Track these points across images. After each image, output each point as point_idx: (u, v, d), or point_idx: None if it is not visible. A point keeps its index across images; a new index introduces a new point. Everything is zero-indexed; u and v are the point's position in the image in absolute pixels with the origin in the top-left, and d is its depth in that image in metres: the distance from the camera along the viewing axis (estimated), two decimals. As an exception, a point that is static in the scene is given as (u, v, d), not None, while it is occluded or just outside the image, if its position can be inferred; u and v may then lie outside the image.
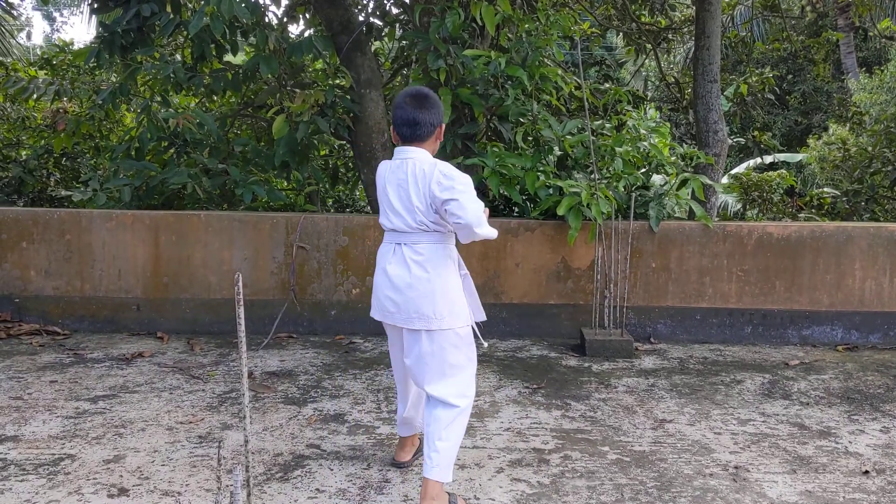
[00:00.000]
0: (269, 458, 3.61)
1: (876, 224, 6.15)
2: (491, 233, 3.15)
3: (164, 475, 3.39)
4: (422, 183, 3.09)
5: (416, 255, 3.14)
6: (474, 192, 3.07)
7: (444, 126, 3.32)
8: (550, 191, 6.03)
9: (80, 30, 50.65)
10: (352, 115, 6.71)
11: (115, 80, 8.26)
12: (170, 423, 4.06)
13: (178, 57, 8.05)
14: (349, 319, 6.10)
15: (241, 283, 1.86)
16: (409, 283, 3.11)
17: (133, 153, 6.78)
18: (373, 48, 7.59)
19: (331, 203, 9.20)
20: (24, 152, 8.44)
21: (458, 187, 3.02)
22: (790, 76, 20.40)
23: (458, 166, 6.24)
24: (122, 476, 3.37)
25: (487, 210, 3.17)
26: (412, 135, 3.18)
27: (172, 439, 3.82)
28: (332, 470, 3.48)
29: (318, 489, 3.28)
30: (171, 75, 6.32)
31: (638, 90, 10.58)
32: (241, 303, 1.86)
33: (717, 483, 3.42)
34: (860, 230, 5.97)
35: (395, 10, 7.59)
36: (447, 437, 3.07)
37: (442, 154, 6.54)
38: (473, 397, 3.23)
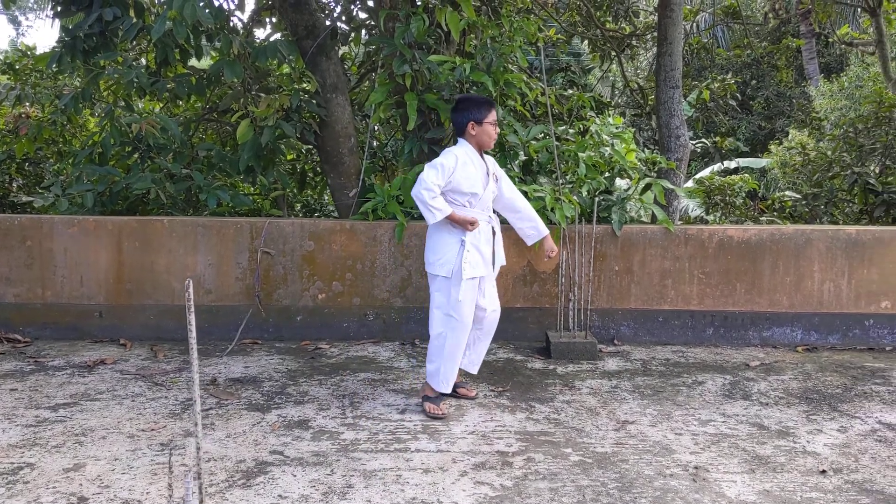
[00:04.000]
0: (232, 464, 3.60)
1: (834, 227, 6.27)
2: (423, 209, 4.24)
3: (124, 483, 3.36)
4: None
5: None
6: (434, 171, 4.21)
7: (477, 121, 4.35)
8: (515, 195, 6.07)
9: (46, 34, 49.99)
10: (318, 119, 6.70)
11: (77, 84, 8.18)
12: (131, 430, 4.03)
13: (143, 61, 7.99)
14: (315, 325, 6.09)
15: (191, 290, 1.86)
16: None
17: (96, 158, 6.72)
18: (340, 53, 7.59)
19: (299, 208, 9.18)
20: (-16, 158, 8.31)
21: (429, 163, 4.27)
22: (754, 82, 20.71)
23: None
24: (81, 484, 3.34)
25: (468, 216, 4.30)
26: (454, 130, 4.50)
27: (134, 447, 3.79)
28: (295, 476, 3.48)
29: (280, 495, 3.27)
30: (135, 80, 6.27)
31: (604, 96, 10.69)
32: (192, 310, 1.86)
33: (677, 483, 3.46)
34: (819, 233, 6.09)
35: (361, 15, 7.60)
36: (430, 360, 4.44)
37: (409, 159, 6.57)
38: (448, 332, 4.33)
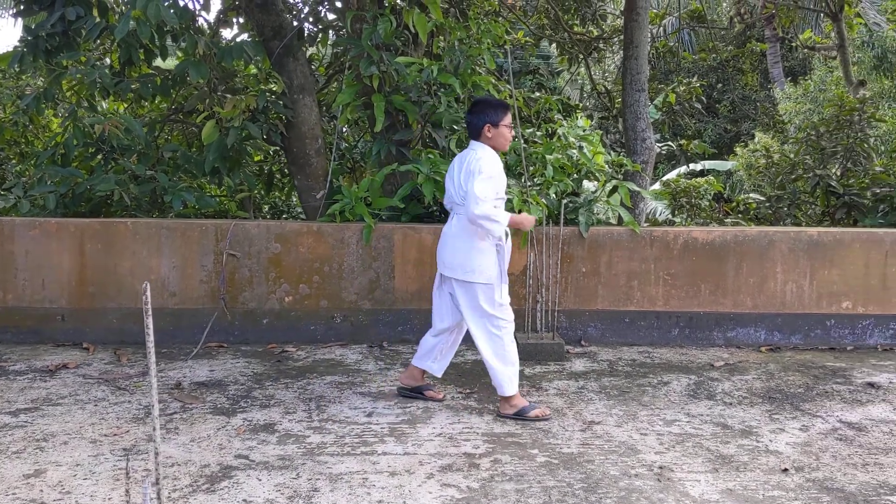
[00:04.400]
0: (196, 469, 3.56)
1: (797, 228, 6.37)
2: (492, 226, 4.19)
3: (86, 489, 3.32)
4: (465, 168, 4.29)
5: (455, 221, 4.40)
6: (487, 184, 4.16)
7: (493, 124, 4.33)
8: (483, 197, 6.08)
9: (8, 33, 49.19)
10: (285, 120, 6.67)
11: (40, 84, 8.05)
12: (93, 435, 3.97)
13: (107, 61, 7.89)
14: (282, 328, 6.05)
15: (148, 293, 1.84)
16: (443, 240, 4.47)
17: (59, 159, 6.62)
18: (307, 54, 7.56)
19: (267, 209, 9.12)
20: (-56, 158, 8.17)
21: (473, 177, 4.17)
22: (720, 85, 20.95)
23: (393, 173, 6.30)
24: (42, 491, 3.29)
25: (527, 216, 4.46)
26: (468, 132, 4.47)
27: (96, 452, 3.74)
28: (260, 480, 3.45)
29: (245, 500, 3.24)
30: (98, 80, 6.19)
31: (572, 99, 10.75)
32: (150, 313, 1.84)
33: (642, 483, 3.49)
34: (781, 234, 6.17)
35: (329, 16, 7.57)
36: (493, 375, 4.45)
37: (377, 160, 6.56)
38: (503, 336, 4.38)
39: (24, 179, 7.04)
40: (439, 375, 4.72)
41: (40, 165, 6.65)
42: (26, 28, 6.39)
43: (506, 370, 4.37)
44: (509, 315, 4.40)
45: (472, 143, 4.42)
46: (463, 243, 4.34)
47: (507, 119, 4.39)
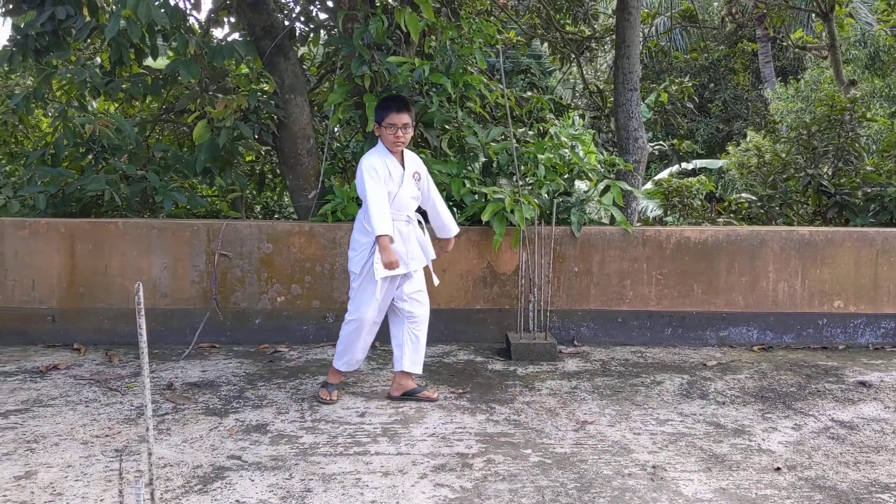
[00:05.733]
0: (188, 470, 3.55)
1: (788, 227, 6.38)
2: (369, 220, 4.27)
3: (77, 490, 3.30)
4: None
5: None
6: (360, 180, 4.35)
7: (378, 122, 4.44)
8: (476, 197, 6.08)
9: (-2, 32, 48.93)
10: (276, 120, 6.64)
11: (29, 84, 8.01)
12: (85, 436, 3.95)
13: (97, 61, 7.85)
14: (274, 328, 6.03)
15: (141, 293, 1.82)
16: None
17: (48, 159, 6.58)
18: (299, 53, 7.53)
19: (259, 209, 9.09)
20: (-67, 158, 8.10)
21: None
22: (711, 85, 21.01)
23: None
24: (33, 493, 3.27)
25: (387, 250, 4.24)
26: None
27: (87, 454, 3.72)
28: (252, 481, 3.44)
29: (238, 500, 3.23)
30: (88, 80, 6.16)
31: (562, 98, 10.76)
32: (142, 313, 1.83)
33: (635, 483, 3.49)
34: (773, 234, 6.18)
35: (320, 16, 7.55)
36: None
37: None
38: (353, 318, 4.55)
39: (14, 179, 6.99)
40: (419, 371, 4.71)
41: (30, 165, 6.61)
42: (15, 27, 6.34)
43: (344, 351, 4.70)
44: (362, 310, 4.54)
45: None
46: (353, 233, 4.62)
47: (391, 118, 4.37)
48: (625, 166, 6.93)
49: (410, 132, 4.46)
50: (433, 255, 4.73)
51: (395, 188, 4.43)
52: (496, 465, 3.68)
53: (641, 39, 7.90)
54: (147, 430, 1.99)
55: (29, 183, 6.35)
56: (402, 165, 4.50)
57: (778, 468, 3.69)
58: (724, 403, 4.70)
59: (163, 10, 5.68)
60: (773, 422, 4.37)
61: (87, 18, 6.14)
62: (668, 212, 9.08)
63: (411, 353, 4.64)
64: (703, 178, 9.75)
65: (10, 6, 6.31)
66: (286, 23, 6.80)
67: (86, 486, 3.34)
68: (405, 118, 4.39)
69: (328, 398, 4.57)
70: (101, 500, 3.20)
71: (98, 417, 4.24)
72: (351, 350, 4.63)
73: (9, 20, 6.49)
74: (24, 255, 5.85)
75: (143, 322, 1.83)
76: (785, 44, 20.25)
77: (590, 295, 6.15)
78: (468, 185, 6.10)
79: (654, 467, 3.68)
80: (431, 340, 5.99)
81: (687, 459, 3.78)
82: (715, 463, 3.75)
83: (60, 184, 6.31)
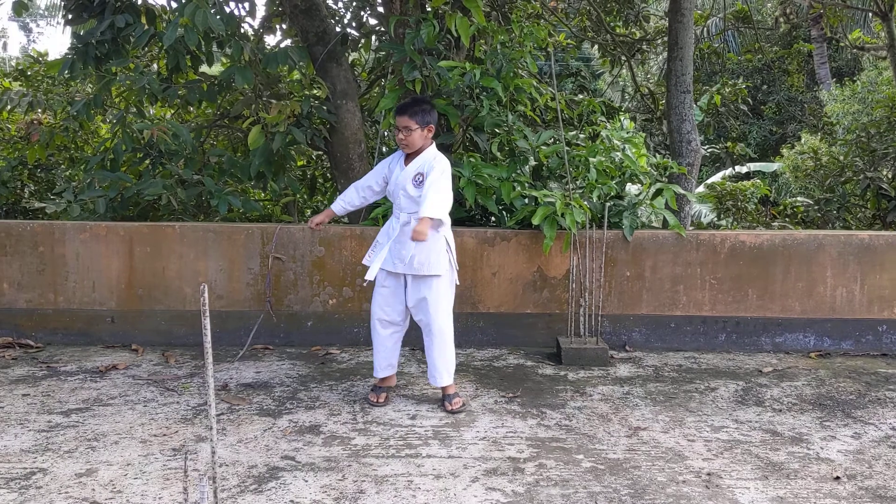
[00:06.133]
0: (244, 469, 3.60)
1: (846, 232, 6.24)
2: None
3: (136, 488, 3.37)
4: None
5: None
6: None
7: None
8: (526, 201, 6.07)
9: (57, 40, 50.36)
10: (328, 125, 6.72)
11: (89, 91, 8.22)
12: (143, 435, 4.03)
13: (154, 68, 8.03)
14: (325, 330, 6.09)
15: (206, 295, 1.86)
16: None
17: (108, 164, 6.74)
18: (350, 59, 7.61)
19: (309, 213, 9.19)
20: (-3, 164, 8.36)
21: None
22: (765, 86, 20.65)
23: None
24: (94, 490, 3.35)
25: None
26: None
27: (146, 452, 3.80)
28: (306, 482, 3.48)
29: (292, 501, 3.27)
30: (146, 86, 6.30)
31: (613, 101, 10.68)
32: (207, 314, 1.86)
33: (689, 490, 3.45)
34: (831, 238, 6.05)
35: (371, 22, 7.62)
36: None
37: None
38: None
39: (74, 184, 7.18)
40: (436, 384, 4.65)
41: (90, 170, 6.78)
42: (76, 35, 6.52)
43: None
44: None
45: None
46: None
47: (395, 120, 4.55)
48: (678, 169, 6.85)
49: (414, 135, 4.46)
50: (430, 272, 4.46)
51: (390, 185, 4.66)
52: (548, 469, 3.66)
53: (694, 41, 7.80)
54: (211, 428, 2.03)
55: (89, 187, 6.51)
56: (406, 165, 4.57)
57: (837, 477, 3.61)
58: (780, 411, 4.61)
59: (219, 18, 5.79)
60: (831, 430, 4.28)
61: (146, 26, 6.29)
62: (722, 216, 8.95)
63: (429, 367, 4.64)
64: (758, 181, 9.59)
65: (71, 15, 6.49)
66: (338, 29, 6.88)
67: (145, 484, 3.41)
68: (404, 121, 4.47)
69: (374, 400, 4.61)
70: (160, 498, 3.27)
71: (156, 417, 4.33)
72: (375, 352, 4.70)
73: (69, 28, 6.68)
74: (85, 258, 6.01)
75: (207, 323, 1.87)
76: (842, 44, 19.81)
77: (642, 300, 6.09)
78: (518, 189, 6.09)
79: (709, 474, 3.63)
80: (481, 344, 6.02)
81: (743, 467, 3.72)
82: (772, 471, 3.68)
83: (119, 188, 6.46)
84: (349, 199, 4.83)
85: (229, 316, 6.00)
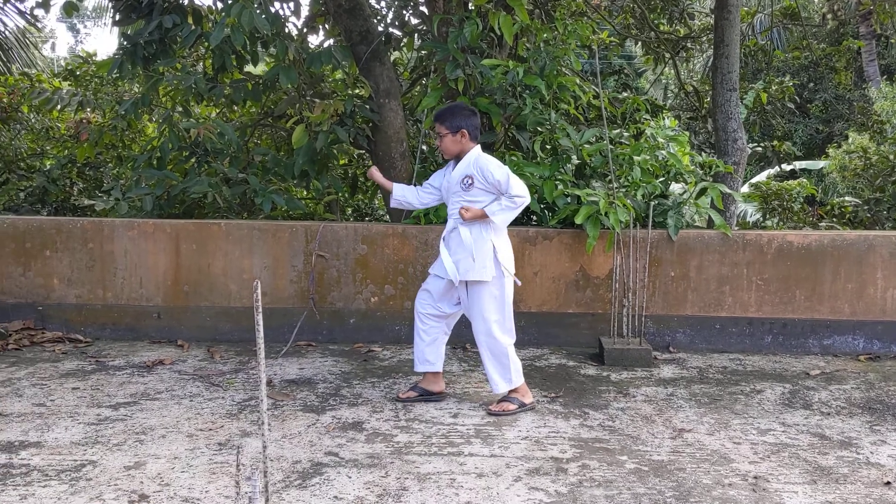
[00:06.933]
0: (288, 465, 3.64)
1: (898, 233, 6.10)
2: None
3: (184, 482, 3.42)
4: None
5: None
6: None
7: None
8: (568, 199, 6.03)
9: (104, 41, 51.40)
10: (371, 124, 6.75)
11: (137, 90, 8.36)
12: (190, 430, 4.09)
13: (200, 67, 8.14)
14: (368, 328, 6.12)
15: (259, 290, 1.88)
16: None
17: (154, 163, 6.85)
18: (392, 58, 7.64)
19: (350, 212, 9.24)
20: (47, 162, 8.54)
21: None
22: (811, 84, 20.27)
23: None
24: (142, 482, 3.41)
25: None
26: None
27: (192, 446, 3.85)
28: (350, 478, 3.50)
29: (335, 497, 3.29)
30: (193, 86, 6.40)
31: (657, 99, 10.57)
32: (260, 310, 1.88)
33: (736, 493, 3.40)
34: (882, 239, 5.92)
35: (413, 21, 7.63)
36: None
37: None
38: None
39: (122, 182, 7.31)
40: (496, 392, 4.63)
41: (137, 168, 6.90)
42: (124, 36, 6.64)
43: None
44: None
45: None
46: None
47: (435, 127, 4.64)
48: (724, 168, 6.75)
49: (445, 140, 4.51)
50: (475, 277, 4.42)
51: (443, 191, 4.71)
52: (591, 470, 3.64)
53: (740, 38, 7.69)
54: (262, 423, 2.05)
55: (136, 185, 6.63)
56: (454, 170, 4.59)
57: (888, 482, 3.54)
58: (828, 414, 4.52)
59: (264, 17, 5.85)
60: (882, 434, 4.19)
61: (192, 27, 6.38)
62: (767, 215, 8.81)
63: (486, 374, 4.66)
64: (804, 180, 9.42)
65: (120, 16, 6.61)
66: (381, 28, 6.90)
67: (191, 478, 3.46)
68: (437, 127, 4.57)
69: (399, 395, 4.70)
70: (206, 492, 3.31)
71: (202, 411, 4.39)
72: (415, 344, 4.74)
73: (116, 29, 6.80)
74: (133, 255, 6.11)
75: (260, 318, 1.90)
76: (891, 41, 19.37)
77: (687, 300, 6.02)
78: (560, 188, 6.06)
79: (755, 478, 3.57)
80: (523, 343, 6.00)
81: (790, 471, 3.66)
82: (820, 475, 3.61)
83: (166, 186, 6.56)
84: (406, 193, 4.87)
85: (273, 312, 6.06)
